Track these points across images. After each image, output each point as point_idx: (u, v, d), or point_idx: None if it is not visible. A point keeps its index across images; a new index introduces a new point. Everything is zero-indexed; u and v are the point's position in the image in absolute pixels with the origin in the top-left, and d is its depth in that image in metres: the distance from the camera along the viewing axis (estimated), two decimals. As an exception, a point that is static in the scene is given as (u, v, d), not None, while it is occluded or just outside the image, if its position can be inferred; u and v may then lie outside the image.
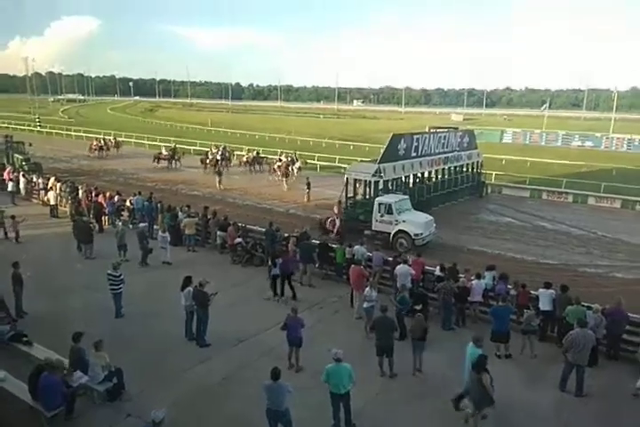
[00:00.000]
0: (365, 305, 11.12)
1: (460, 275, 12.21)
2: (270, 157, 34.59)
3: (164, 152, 34.84)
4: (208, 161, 32.27)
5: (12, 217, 17.06)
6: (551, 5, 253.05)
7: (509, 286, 11.42)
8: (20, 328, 10.06)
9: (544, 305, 10.67)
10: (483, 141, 35.60)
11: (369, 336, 10.20)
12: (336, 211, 18.96)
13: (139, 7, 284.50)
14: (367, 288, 11.23)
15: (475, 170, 27.83)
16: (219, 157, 32.81)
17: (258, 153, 34.74)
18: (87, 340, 8.45)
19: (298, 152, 34.40)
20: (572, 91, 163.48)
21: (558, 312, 10.48)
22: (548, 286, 10.91)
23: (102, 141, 40.47)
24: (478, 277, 11.76)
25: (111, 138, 42.52)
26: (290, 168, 29.77)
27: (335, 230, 18.03)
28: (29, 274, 11.89)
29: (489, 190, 28.56)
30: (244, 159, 34.39)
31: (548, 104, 75.11)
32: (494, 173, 30.67)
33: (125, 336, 10.40)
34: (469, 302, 11.72)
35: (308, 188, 25.01)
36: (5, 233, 17.26)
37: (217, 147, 35.39)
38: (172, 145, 37.44)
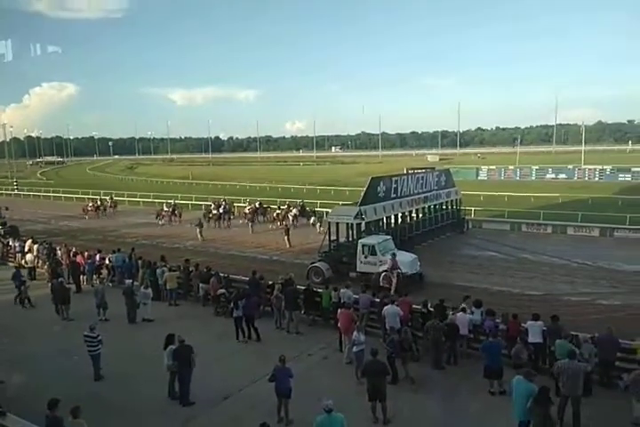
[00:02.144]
0: (355, 349, 10.84)
1: (449, 311, 12.08)
2: (273, 206, 34.21)
3: (165, 208, 34.27)
4: (211, 215, 31.75)
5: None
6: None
7: (497, 321, 11.28)
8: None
9: (534, 337, 10.52)
10: (460, 179, 36.40)
11: (360, 381, 9.87)
12: (389, 265, 16.84)
13: (115, 71, 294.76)
14: (355, 332, 11.00)
15: (454, 207, 28.24)
16: (221, 211, 32.24)
17: (261, 204, 34.07)
18: (65, 406, 7.98)
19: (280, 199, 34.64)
20: (541, 127, 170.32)
21: (550, 343, 10.34)
22: (536, 317, 10.81)
23: (99, 202, 39.54)
24: (463, 310, 11.63)
25: (107, 198, 41.31)
26: (288, 215, 30.30)
27: (393, 288, 16.13)
28: (6, 341, 11.41)
29: (470, 226, 28.87)
30: (247, 211, 33.17)
31: (519, 140, 77.82)
32: (473, 208, 31.15)
33: (105, 400, 9.89)
34: (458, 336, 11.49)
35: (287, 234, 25.17)
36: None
37: (217, 201, 34.78)
38: (172, 202, 36.92)
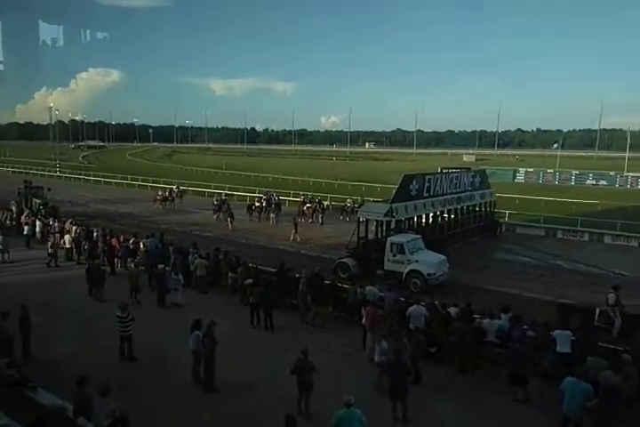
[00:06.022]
0: (380, 358, 10.35)
1: (476, 315, 11.91)
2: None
3: (215, 202, 32.84)
4: (254, 208, 31.37)
5: None
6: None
7: (525, 327, 11.04)
8: (26, 373, 9.90)
9: (562, 347, 10.26)
10: (496, 181, 35.67)
11: (382, 379, 9.83)
12: (612, 300, 12.78)
13: (158, 60, 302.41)
14: (382, 340, 10.59)
15: (488, 209, 27.73)
16: (264, 204, 31.37)
17: (307, 197, 33.64)
18: (93, 385, 8.26)
19: (312, 193, 34.59)
20: (584, 131, 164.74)
21: (579, 354, 10.05)
22: (564, 326, 10.53)
23: (167, 192, 38.49)
24: (492, 316, 11.44)
25: (174, 187, 40.11)
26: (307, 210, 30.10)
27: (615, 329, 12.49)
28: (38, 318, 11.83)
29: (503, 229, 28.31)
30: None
31: (560, 143, 75.56)
32: (508, 212, 30.52)
33: (132, 381, 10.17)
34: (484, 342, 11.30)
35: (295, 228, 25.10)
36: None
37: (266, 193, 33.99)
38: (222, 195, 36.60)
